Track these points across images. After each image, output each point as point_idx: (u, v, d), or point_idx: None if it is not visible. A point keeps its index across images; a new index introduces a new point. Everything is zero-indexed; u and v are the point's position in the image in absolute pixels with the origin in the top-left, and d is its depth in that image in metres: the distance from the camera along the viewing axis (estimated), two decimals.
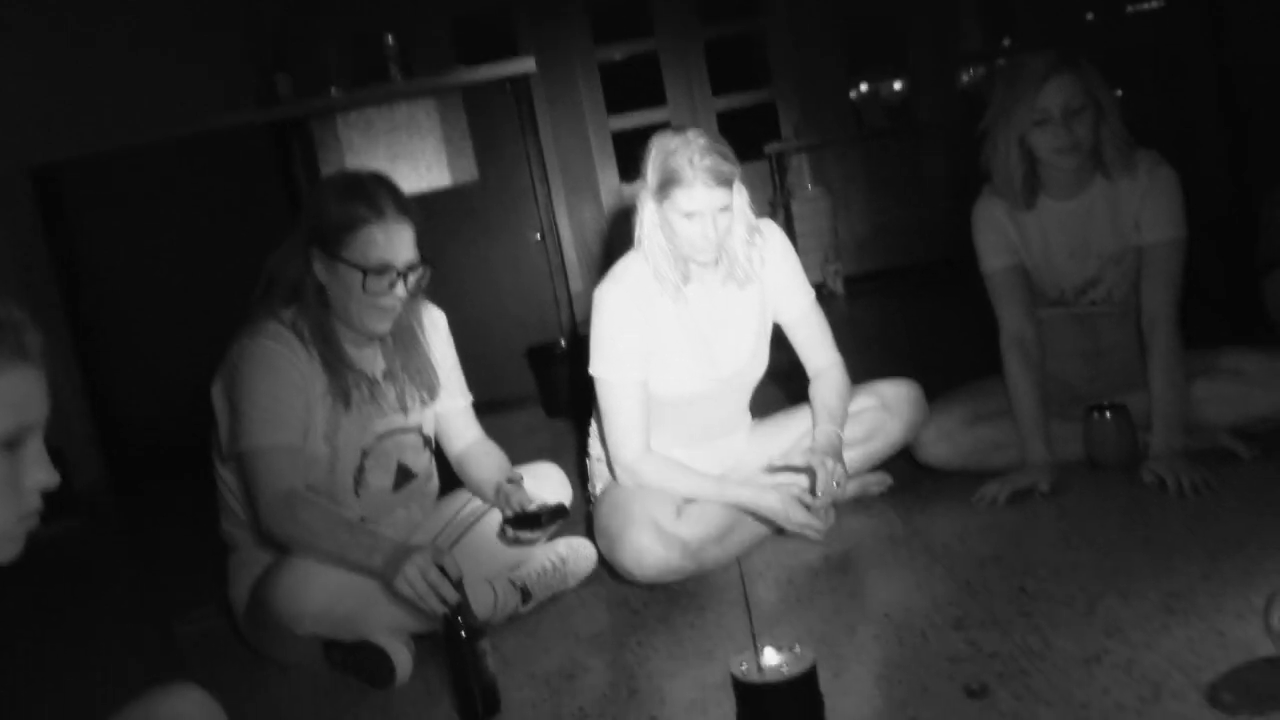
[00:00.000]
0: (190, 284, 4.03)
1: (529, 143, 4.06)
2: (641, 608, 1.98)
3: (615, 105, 6.45)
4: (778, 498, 2.05)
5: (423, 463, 2.12)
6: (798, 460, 2.07)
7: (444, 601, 1.65)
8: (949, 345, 3.58)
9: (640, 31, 6.45)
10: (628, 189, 6.34)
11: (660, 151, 2.01)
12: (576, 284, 5.56)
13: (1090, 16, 5.96)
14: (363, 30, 5.47)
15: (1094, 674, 1.43)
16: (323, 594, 1.82)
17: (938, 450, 2.33)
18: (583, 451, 2.42)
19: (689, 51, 6.43)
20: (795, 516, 2.03)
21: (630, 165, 6.27)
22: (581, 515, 2.35)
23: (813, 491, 2.01)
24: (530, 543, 2.05)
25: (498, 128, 4.08)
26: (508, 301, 4.08)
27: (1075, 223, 2.26)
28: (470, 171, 4.09)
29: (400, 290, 1.91)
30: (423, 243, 1.94)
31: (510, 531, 1.94)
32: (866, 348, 3.93)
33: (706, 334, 2.17)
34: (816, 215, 5.88)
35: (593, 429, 2.32)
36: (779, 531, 2.14)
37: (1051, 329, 2.34)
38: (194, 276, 4.03)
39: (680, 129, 2.03)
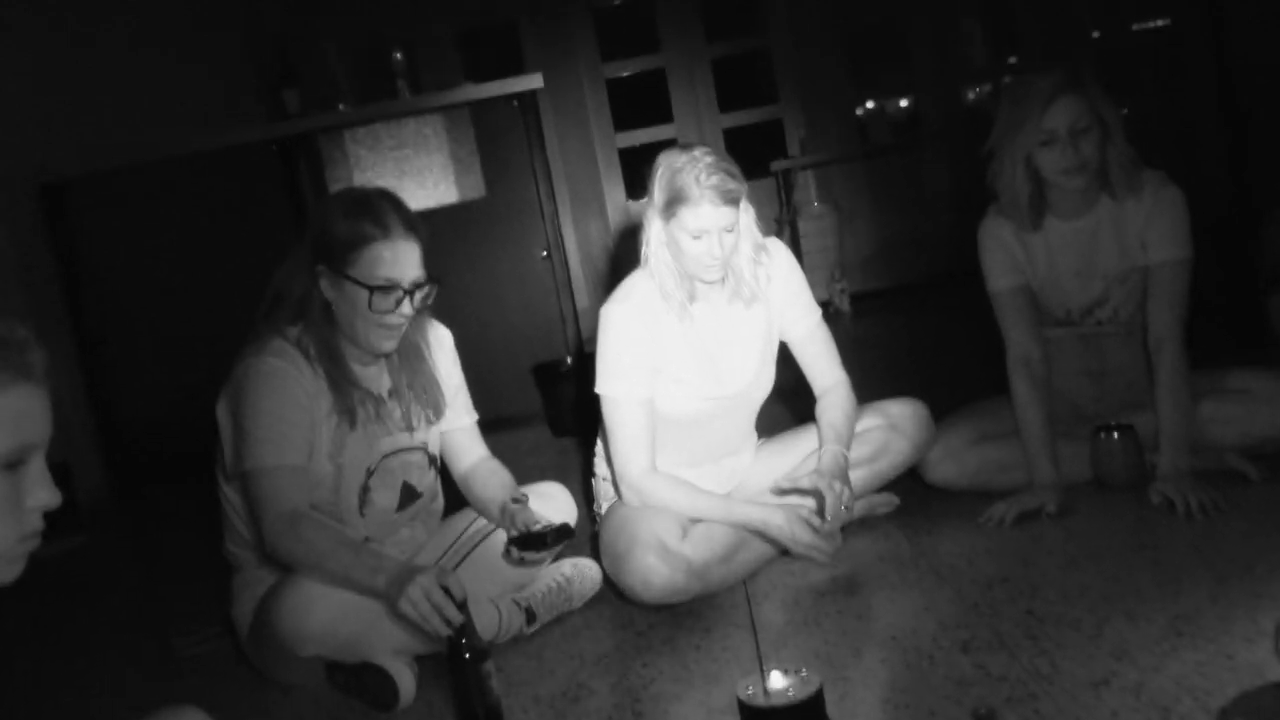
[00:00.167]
0: (197, 299, 4.04)
1: (536, 159, 4.08)
2: (647, 629, 1.97)
3: (622, 122, 6.47)
4: (785, 518, 2.04)
5: (428, 482, 2.11)
6: (804, 482, 2.06)
7: (448, 623, 1.64)
8: (956, 363, 3.57)
9: (647, 48, 6.47)
10: (634, 206, 6.35)
11: (667, 169, 2.01)
12: (582, 301, 5.57)
13: (1095, 34, 5.97)
14: (370, 46, 5.50)
15: (1102, 697, 1.42)
16: (326, 615, 1.81)
17: (945, 470, 2.32)
18: (588, 470, 2.42)
19: (696, 68, 6.45)
20: (803, 537, 2.02)
21: (637, 182, 6.29)
22: (587, 535, 2.34)
23: (821, 515, 2.00)
24: (535, 563, 2.04)
25: (505, 144, 4.09)
26: (513, 318, 4.08)
27: (1081, 243, 2.25)
28: (477, 188, 4.10)
29: (406, 308, 1.91)
30: (429, 260, 1.94)
31: (515, 552, 1.93)
32: (873, 366, 3.93)
33: (712, 352, 2.16)
34: (823, 233, 5.89)
35: (598, 448, 2.31)
36: (785, 553, 2.13)
37: (1058, 349, 2.34)
38: (201, 292, 4.04)
39: (687, 146, 2.03)
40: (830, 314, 2.28)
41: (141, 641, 2.46)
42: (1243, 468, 2.15)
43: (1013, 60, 6.40)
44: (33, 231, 4.04)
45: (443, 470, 2.17)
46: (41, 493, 1.03)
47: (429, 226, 1.96)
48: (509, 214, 4.09)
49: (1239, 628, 1.54)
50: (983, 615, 1.75)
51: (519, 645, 1.99)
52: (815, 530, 2.02)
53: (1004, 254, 2.29)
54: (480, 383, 2.22)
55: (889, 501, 2.35)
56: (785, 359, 2.27)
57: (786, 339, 2.26)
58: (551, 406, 3.79)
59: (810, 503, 2.06)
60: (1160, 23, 5.74)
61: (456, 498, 2.19)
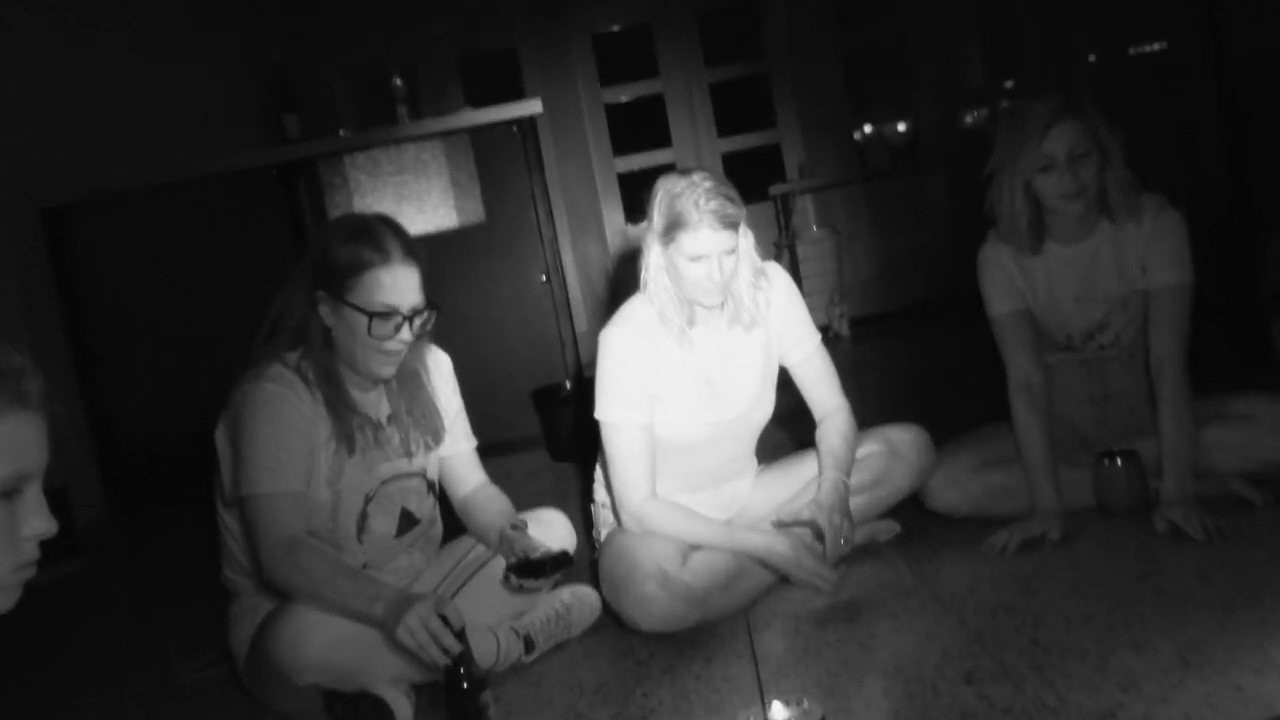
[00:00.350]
0: (196, 323, 4.03)
1: (535, 184, 4.08)
2: (646, 658, 1.95)
3: (621, 147, 6.50)
4: (789, 545, 2.03)
5: (426, 508, 2.10)
6: (804, 513, 2.05)
7: (446, 651, 1.63)
8: (956, 388, 3.56)
9: (646, 73, 6.50)
10: (633, 230, 6.37)
11: (666, 194, 2.01)
12: (581, 325, 5.57)
13: (1093, 58, 6.00)
14: (370, 72, 5.53)
15: None
16: (324, 644, 1.79)
17: (946, 497, 2.31)
18: (587, 496, 2.40)
19: (694, 93, 6.49)
20: (806, 565, 2.00)
21: (636, 206, 6.30)
22: (586, 562, 2.33)
23: (821, 543, 1.99)
24: (534, 591, 2.02)
25: (504, 169, 4.09)
26: (512, 343, 4.07)
27: (1081, 267, 2.25)
28: (477, 213, 4.10)
29: (406, 334, 1.90)
30: (429, 285, 1.94)
31: (514, 579, 1.91)
32: (873, 391, 3.92)
33: (712, 377, 2.15)
34: (822, 257, 5.90)
35: (597, 473, 2.30)
36: (786, 580, 2.11)
37: (1059, 374, 2.33)
38: (200, 316, 4.04)
39: (686, 171, 2.03)
40: (829, 338, 2.28)
41: (140, 667, 2.44)
42: (1247, 494, 2.14)
43: (1011, 84, 6.43)
44: (33, 255, 4.03)
45: (441, 496, 2.16)
46: (38, 521, 1.02)
47: (428, 252, 1.96)
48: (508, 239, 4.09)
49: (1247, 658, 1.52)
50: (986, 645, 1.73)
51: (517, 674, 1.97)
52: (817, 558, 2.01)
53: (1004, 279, 2.29)
54: (479, 407, 2.21)
55: (890, 528, 2.34)
56: (785, 384, 2.26)
57: (786, 364, 2.25)
58: (550, 431, 3.78)
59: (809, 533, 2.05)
60: (1158, 46, 5.78)
61: (455, 524, 2.18)
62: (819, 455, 2.20)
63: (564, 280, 4.17)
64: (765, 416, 2.25)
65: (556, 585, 2.13)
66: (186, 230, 4.11)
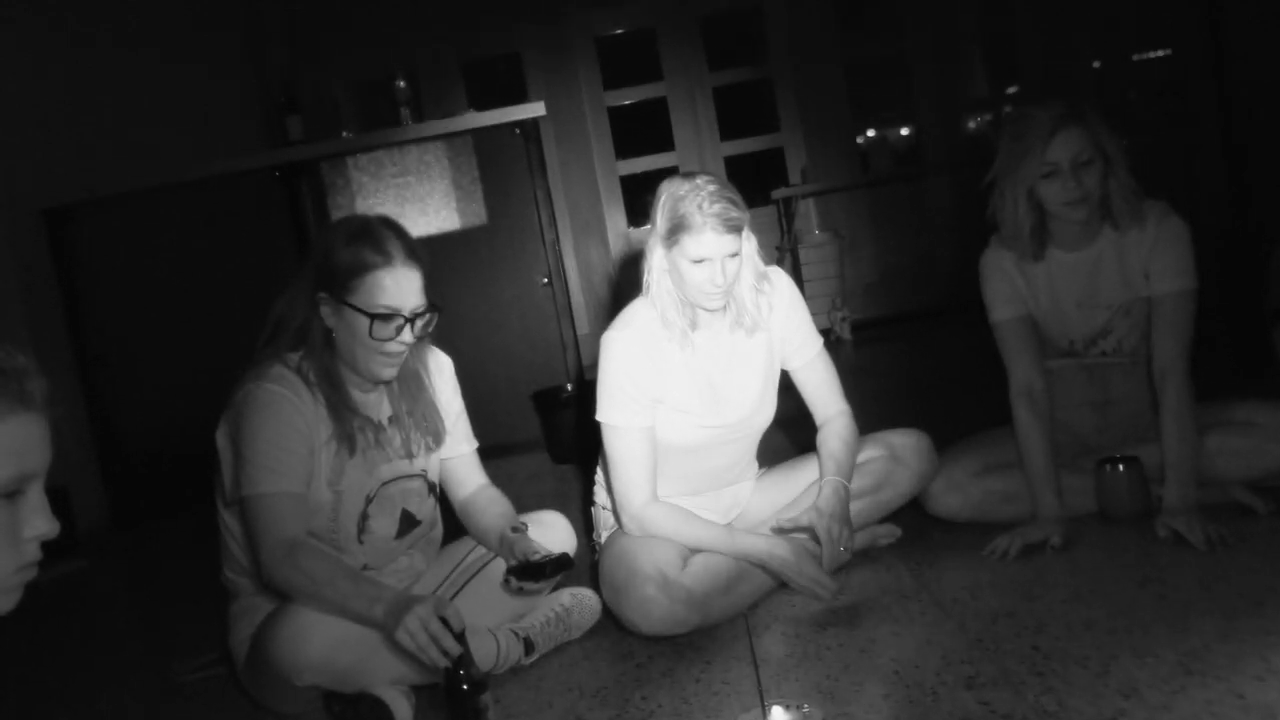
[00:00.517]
0: (198, 324, 4.04)
1: (537, 186, 4.09)
2: (646, 661, 1.95)
3: (624, 150, 6.50)
4: (789, 551, 2.02)
5: (427, 509, 2.10)
6: (803, 519, 2.05)
7: (445, 653, 1.62)
8: (958, 394, 3.56)
9: (649, 77, 6.51)
10: (635, 233, 6.37)
11: (670, 197, 2.01)
12: (583, 328, 5.57)
13: (1096, 64, 6.01)
14: (374, 74, 5.53)
15: None
16: (323, 645, 1.79)
17: (947, 501, 2.31)
18: (588, 498, 2.40)
19: (697, 97, 6.49)
20: (806, 571, 2.00)
21: (638, 209, 6.30)
22: (586, 564, 2.32)
23: (819, 553, 2.00)
24: (534, 593, 2.02)
25: (507, 171, 4.10)
26: (514, 345, 4.08)
27: (1084, 273, 2.25)
28: (479, 215, 4.11)
29: (407, 336, 1.90)
30: (430, 287, 1.94)
31: (514, 581, 1.91)
32: (874, 395, 3.91)
33: (714, 381, 2.15)
34: (824, 261, 5.90)
35: (598, 476, 2.30)
36: (785, 585, 2.11)
37: (1061, 380, 2.33)
38: (202, 317, 4.04)
39: (690, 175, 2.03)
40: (831, 343, 2.28)
41: (139, 667, 2.44)
42: (1249, 501, 2.14)
43: (1013, 90, 6.44)
44: (35, 256, 4.04)
45: (442, 498, 2.16)
46: (40, 522, 1.02)
47: (430, 254, 1.96)
48: (510, 241, 4.09)
49: (1249, 666, 1.52)
50: (987, 650, 1.73)
51: (517, 676, 1.97)
52: (817, 565, 2.01)
53: (1006, 284, 2.29)
54: (480, 409, 2.21)
55: (891, 533, 2.33)
56: (786, 387, 2.26)
57: (788, 368, 2.25)
58: (551, 434, 3.78)
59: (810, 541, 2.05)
60: (1161, 52, 5.78)
61: (455, 526, 2.17)
62: (820, 460, 2.20)
63: (566, 283, 4.17)
64: (767, 420, 2.25)
65: (557, 587, 2.13)
66: (188, 231, 4.12)
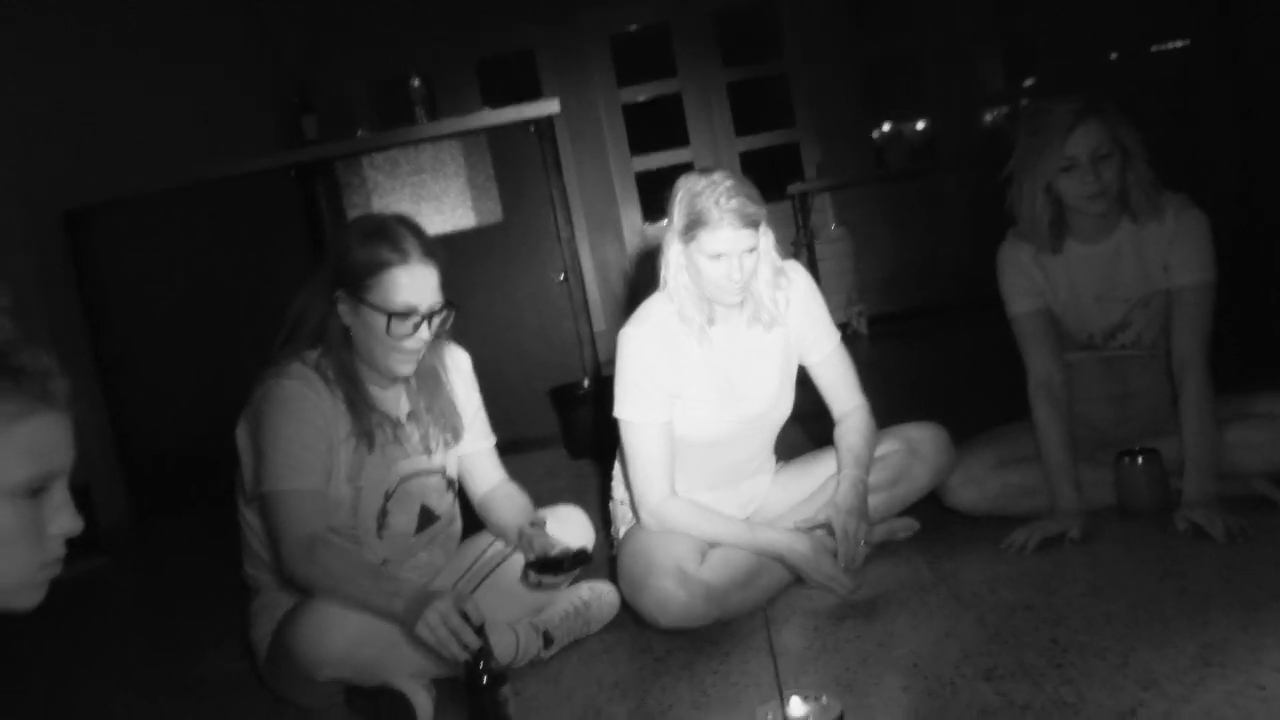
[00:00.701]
0: (216, 322, 4.07)
1: (553, 184, 4.09)
2: (665, 654, 1.96)
3: (639, 146, 6.50)
4: (808, 546, 2.03)
5: (446, 505, 2.11)
6: (820, 516, 2.06)
7: (465, 647, 1.64)
8: (975, 387, 3.55)
9: (664, 73, 6.51)
10: (651, 230, 6.37)
11: (687, 193, 2.02)
12: (599, 324, 5.57)
13: (1113, 56, 5.97)
14: (389, 73, 5.55)
15: None
16: (344, 639, 1.80)
17: (965, 495, 2.30)
18: (605, 494, 2.41)
19: (712, 93, 6.48)
20: (823, 567, 2.01)
21: (653, 206, 6.30)
22: (604, 559, 2.33)
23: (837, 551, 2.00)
24: (553, 587, 2.03)
25: (522, 169, 4.11)
26: (530, 342, 4.09)
27: (1102, 266, 2.24)
28: (494, 212, 4.12)
29: (424, 333, 1.91)
30: (447, 285, 1.95)
31: (533, 576, 1.92)
32: (892, 389, 3.91)
33: (731, 376, 2.16)
34: (840, 256, 5.89)
35: (616, 471, 2.31)
36: (801, 580, 2.11)
37: (1080, 373, 2.32)
38: (220, 315, 4.07)
39: (706, 170, 2.03)
40: (848, 337, 2.29)
41: (160, 662, 2.46)
42: (1269, 494, 2.12)
43: (1030, 83, 6.40)
44: (55, 256, 4.07)
45: (460, 494, 2.17)
46: (64, 519, 1.03)
47: (446, 251, 1.97)
48: (526, 238, 4.10)
49: (1270, 658, 1.51)
50: (1005, 643, 1.73)
51: (536, 669, 1.98)
52: (834, 561, 2.02)
53: (1023, 277, 2.28)
54: (497, 406, 2.22)
55: (909, 526, 2.33)
56: (803, 383, 2.26)
57: (805, 363, 2.25)
58: (568, 429, 3.79)
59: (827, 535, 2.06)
60: (1179, 44, 5.74)
61: (474, 521, 2.18)
62: (838, 454, 2.20)
63: (582, 279, 4.18)
64: (784, 415, 2.25)
65: (575, 582, 2.14)
66: (205, 231, 4.15)
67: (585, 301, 4.16)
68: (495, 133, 4.09)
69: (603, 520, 2.48)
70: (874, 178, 6.21)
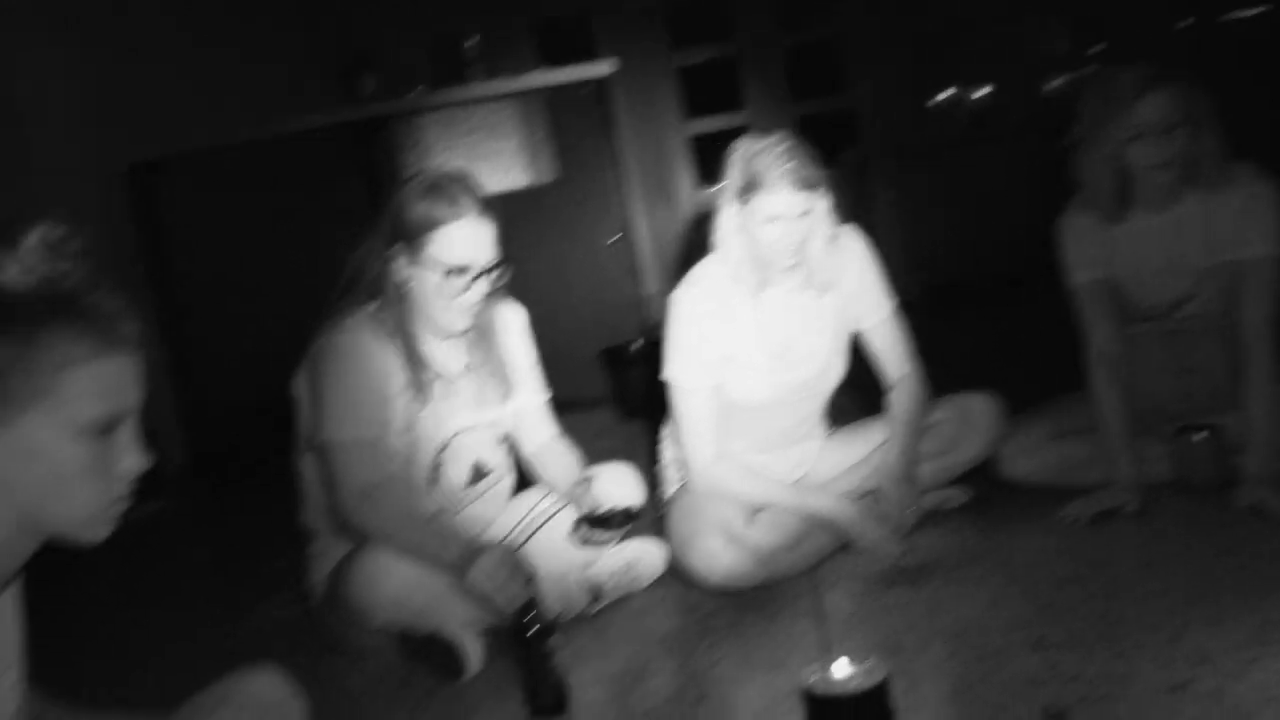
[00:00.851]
0: (276, 276, 4.12)
1: (608, 145, 4.08)
2: (711, 613, 1.97)
3: (693, 109, 6.44)
4: (855, 511, 2.03)
5: (497, 459, 2.13)
6: (870, 481, 2.05)
7: (515, 597, 1.66)
8: (1033, 358, 3.50)
9: (719, 36, 6.43)
10: (704, 193, 6.33)
11: (744, 154, 2.01)
12: (652, 286, 5.56)
13: (1183, 23, 5.80)
14: (445, 32, 5.54)
15: (1180, 703, 1.39)
16: (398, 585, 1.84)
17: (1019, 466, 2.28)
18: (655, 455, 2.42)
19: (769, 56, 6.40)
20: (872, 532, 2.01)
21: (707, 169, 6.26)
22: (653, 518, 2.35)
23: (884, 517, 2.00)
24: (602, 543, 2.05)
25: (577, 130, 4.10)
26: (583, 302, 4.09)
27: (1168, 237, 2.19)
28: (549, 173, 4.12)
29: (479, 289, 1.93)
30: (502, 243, 1.96)
31: (582, 532, 1.94)
32: (946, 359, 3.85)
33: (783, 340, 2.15)
34: (896, 223, 5.80)
35: (666, 432, 2.32)
36: (849, 546, 2.11)
37: (1141, 345, 2.28)
38: (280, 269, 4.12)
39: (765, 133, 2.02)
40: (903, 305, 2.27)
41: (219, 604, 2.53)
42: None
43: (1097, 49, 6.23)
44: (121, 209, 4.16)
45: (512, 449, 2.19)
46: (131, 457, 1.06)
47: (500, 210, 1.98)
48: (580, 199, 4.10)
49: None
50: (1056, 614, 1.72)
51: (584, 623, 2.00)
52: (882, 526, 2.01)
53: (1086, 247, 2.24)
54: (549, 365, 2.23)
55: (959, 495, 2.31)
56: (852, 350, 2.25)
57: (859, 329, 2.24)
58: (619, 390, 3.80)
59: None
60: (1254, 10, 5.56)
61: (525, 477, 2.21)
62: (889, 421, 2.19)
63: (634, 241, 4.17)
64: (835, 381, 2.24)
65: (623, 539, 2.15)
66: (266, 186, 4.19)
67: (638, 263, 4.16)
68: (551, 93, 4.08)
69: (652, 481, 2.49)
70: (933, 145, 6.10)
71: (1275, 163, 2.24)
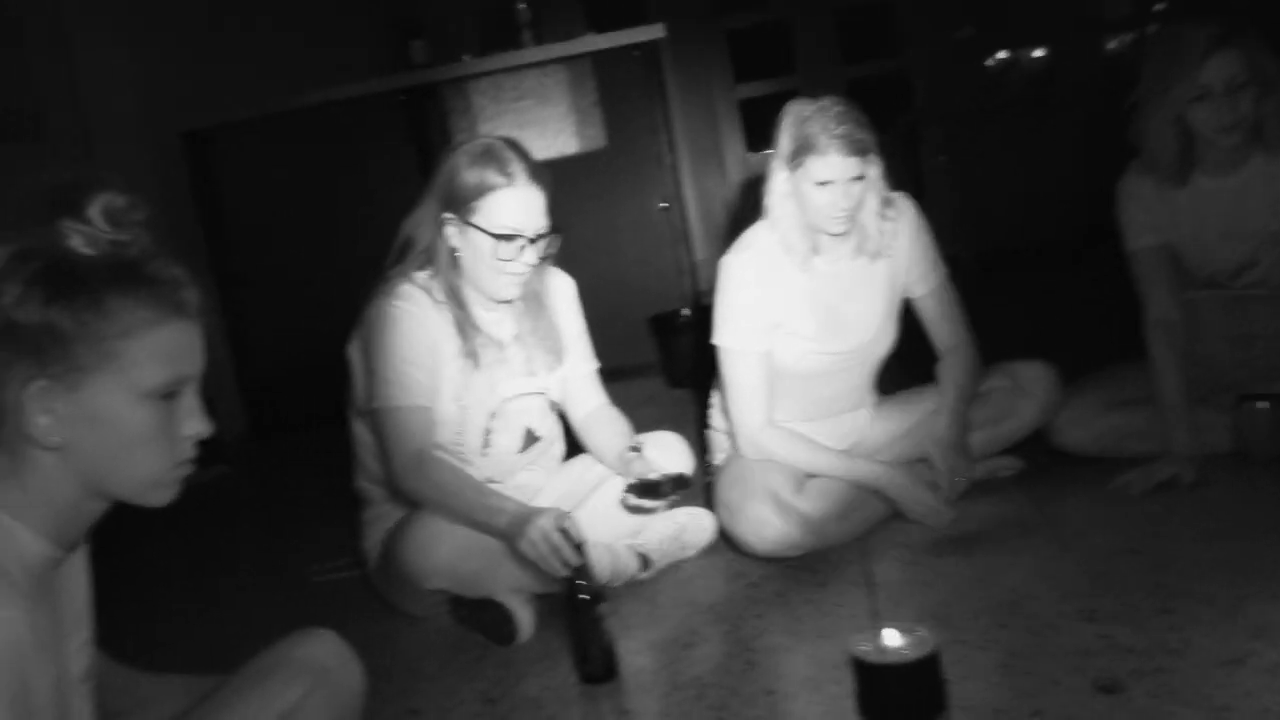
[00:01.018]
0: (329, 243, 4.16)
1: (657, 110, 4.05)
2: (760, 581, 1.98)
3: (743, 73, 6.37)
4: (905, 478, 2.02)
5: (548, 426, 2.15)
6: (921, 449, 2.04)
7: (565, 564, 1.68)
8: (1088, 326, 3.44)
9: None
10: (753, 158, 6.27)
11: (795, 118, 1.99)
12: (700, 253, 5.53)
13: None
14: None
15: (1236, 676, 1.37)
16: (450, 551, 1.87)
17: (1073, 435, 2.25)
18: (703, 422, 2.42)
19: (819, 19, 6.30)
20: (924, 499, 1.99)
21: (756, 134, 6.19)
22: (702, 486, 2.35)
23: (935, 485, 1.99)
24: (650, 511, 2.06)
25: (626, 94, 4.07)
26: (631, 269, 4.09)
27: (1230, 201, 2.14)
28: (598, 139, 4.10)
29: (530, 256, 1.94)
30: (551, 210, 1.96)
31: (631, 499, 1.95)
32: (999, 326, 3.80)
33: (834, 307, 2.13)
34: (949, 188, 5.71)
35: (714, 400, 2.32)
36: (900, 514, 2.10)
37: (1201, 312, 2.23)
38: (331, 236, 4.17)
39: (816, 96, 1.99)
40: (955, 272, 2.24)
41: (278, 568, 2.59)
42: None
43: (1160, 6, 6.05)
44: (176, 177, 4.22)
45: (562, 417, 2.21)
46: (194, 422, 1.09)
47: (551, 176, 1.98)
48: (629, 165, 4.08)
49: None
50: (1109, 585, 1.70)
51: (633, 590, 2.02)
52: (933, 493, 2.00)
53: (1145, 212, 2.19)
54: (597, 332, 2.24)
55: (1012, 464, 2.29)
56: (904, 317, 2.22)
57: (911, 296, 2.22)
58: (668, 357, 3.80)
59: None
60: None
61: (575, 444, 2.22)
62: (940, 389, 2.18)
63: (683, 207, 4.15)
64: (886, 349, 2.23)
65: (672, 507, 2.16)
66: (318, 153, 4.23)
67: (687, 229, 4.14)
68: (600, 57, 4.06)
69: (700, 449, 2.50)
70: (987, 108, 5.98)
71: None
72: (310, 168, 4.23)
